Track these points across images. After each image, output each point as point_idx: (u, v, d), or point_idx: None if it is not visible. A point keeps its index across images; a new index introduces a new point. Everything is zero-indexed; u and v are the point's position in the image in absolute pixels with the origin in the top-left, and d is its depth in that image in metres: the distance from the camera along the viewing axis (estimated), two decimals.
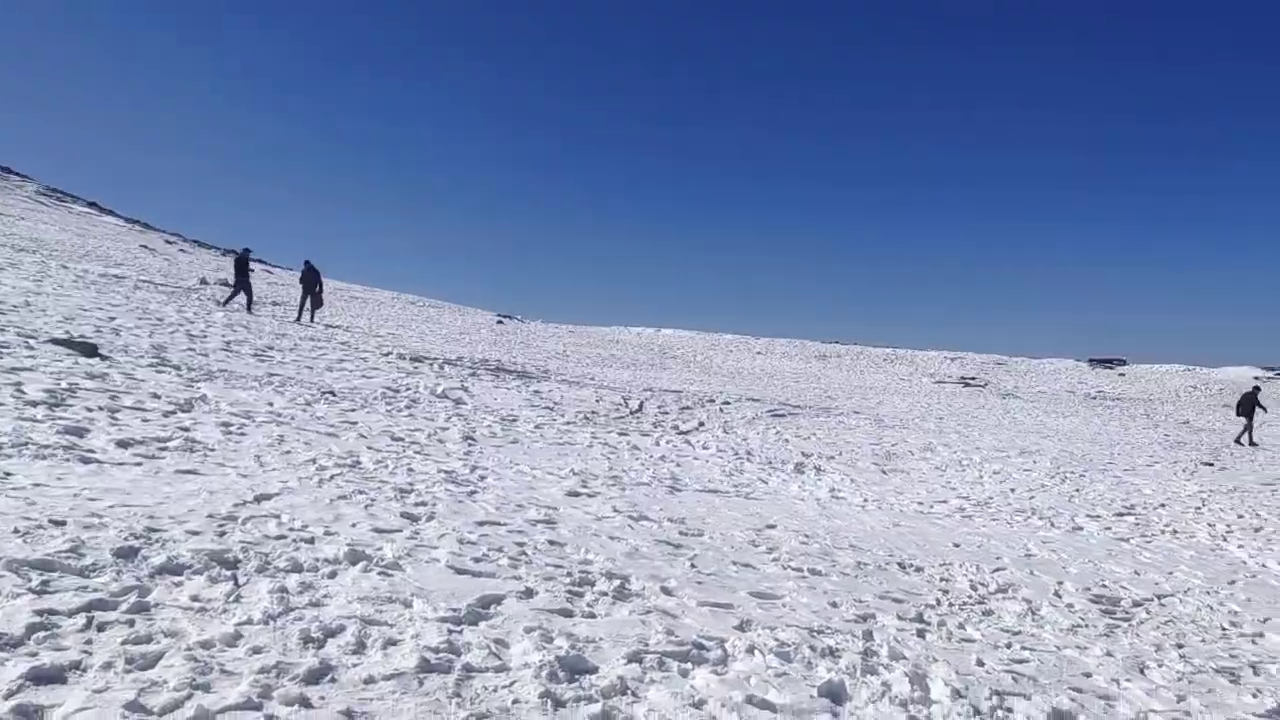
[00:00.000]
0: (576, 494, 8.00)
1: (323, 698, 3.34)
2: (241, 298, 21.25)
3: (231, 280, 21.71)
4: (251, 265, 21.69)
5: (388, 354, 17.87)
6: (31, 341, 10.33)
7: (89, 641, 3.50)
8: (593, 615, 4.73)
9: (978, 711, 4.22)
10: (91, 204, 53.38)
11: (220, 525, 5.12)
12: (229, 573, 4.41)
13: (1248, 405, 22.23)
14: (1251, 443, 21.89)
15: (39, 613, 3.62)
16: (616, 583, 5.33)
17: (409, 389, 13.36)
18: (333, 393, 11.60)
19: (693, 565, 6.11)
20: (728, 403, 19.27)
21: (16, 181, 51.03)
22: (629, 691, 3.82)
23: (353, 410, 10.59)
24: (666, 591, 5.35)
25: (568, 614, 4.67)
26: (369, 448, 8.47)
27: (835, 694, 4.16)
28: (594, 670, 3.98)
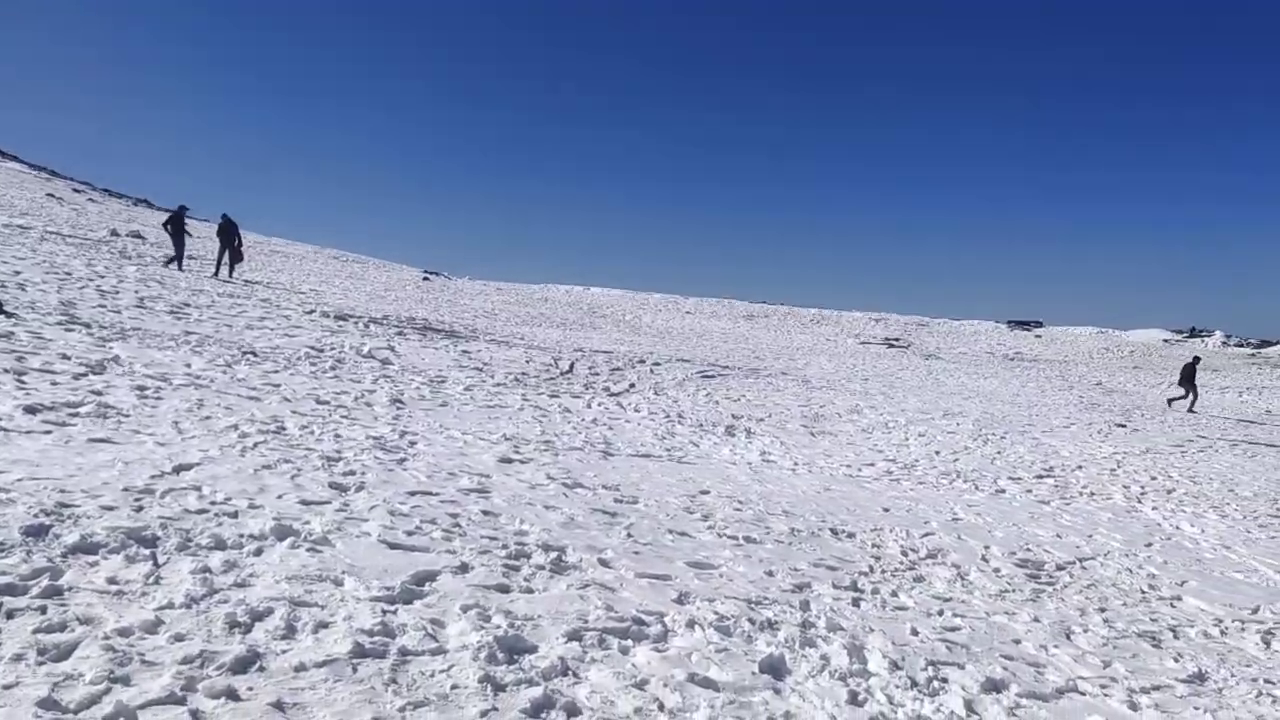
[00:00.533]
0: (509, 460, 7.87)
1: (251, 689, 3.19)
2: (175, 257, 20.34)
3: (171, 240, 20.66)
4: (188, 224, 20.80)
5: (311, 311, 17.39)
6: None
7: None
8: (530, 590, 4.64)
9: (915, 683, 4.26)
10: None
11: (137, 499, 4.88)
12: (147, 551, 4.20)
13: (1189, 374, 23.08)
14: (1191, 410, 22.59)
15: None
16: (553, 555, 5.24)
17: (334, 348, 13.01)
18: (254, 353, 11.22)
19: (629, 535, 6.05)
20: (658, 363, 19.24)
21: None
22: (570, 672, 3.74)
23: (275, 371, 10.25)
24: (604, 563, 5.29)
25: (505, 590, 4.57)
26: (293, 412, 8.20)
27: (776, 669, 4.15)
28: (533, 650, 3.89)
